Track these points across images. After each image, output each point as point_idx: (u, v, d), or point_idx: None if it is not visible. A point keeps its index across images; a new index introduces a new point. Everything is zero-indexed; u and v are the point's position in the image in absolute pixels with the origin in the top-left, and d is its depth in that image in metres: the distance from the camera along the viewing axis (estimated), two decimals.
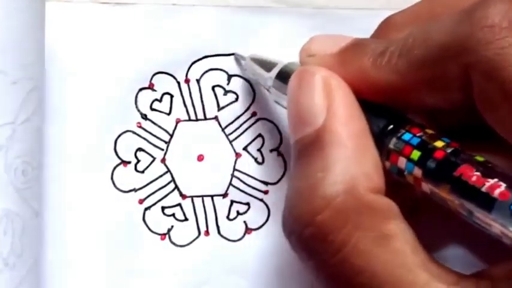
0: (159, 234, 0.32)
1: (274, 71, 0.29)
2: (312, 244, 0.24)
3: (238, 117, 0.33)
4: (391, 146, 0.25)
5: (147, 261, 0.32)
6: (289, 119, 0.26)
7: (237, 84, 0.33)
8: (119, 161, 0.32)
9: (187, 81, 0.32)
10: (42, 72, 0.30)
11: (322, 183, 0.24)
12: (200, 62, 0.32)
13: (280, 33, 0.33)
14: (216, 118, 0.32)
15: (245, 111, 0.33)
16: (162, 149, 0.32)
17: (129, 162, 0.32)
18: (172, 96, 0.32)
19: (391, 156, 0.25)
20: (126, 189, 0.32)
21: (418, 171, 0.24)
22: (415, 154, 0.24)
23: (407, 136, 0.24)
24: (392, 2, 0.34)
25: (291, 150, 0.26)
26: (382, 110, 0.25)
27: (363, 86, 0.25)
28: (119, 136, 0.32)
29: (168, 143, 0.32)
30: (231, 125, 0.32)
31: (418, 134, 0.24)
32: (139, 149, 0.32)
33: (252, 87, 0.33)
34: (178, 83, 0.32)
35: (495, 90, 0.22)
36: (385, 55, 0.25)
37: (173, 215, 0.32)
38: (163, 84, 0.32)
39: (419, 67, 0.24)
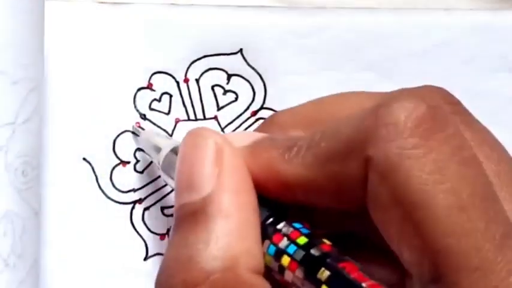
0: (158, 234, 0.32)
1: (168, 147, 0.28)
2: None
3: (237, 117, 0.33)
4: (279, 226, 0.24)
5: (146, 262, 0.32)
6: (176, 181, 0.25)
7: (236, 84, 0.33)
8: (118, 161, 0.32)
9: (186, 80, 0.32)
10: (42, 72, 0.30)
11: (202, 256, 0.23)
12: (199, 61, 0.32)
13: (280, 33, 0.33)
14: (215, 118, 0.32)
15: (245, 110, 0.33)
16: None
17: (128, 162, 0.32)
18: (171, 96, 0.32)
19: (274, 235, 0.24)
20: (125, 190, 0.32)
21: (299, 254, 0.23)
22: (302, 240, 0.23)
23: (298, 225, 0.24)
24: (392, 1, 0.34)
25: (173, 214, 0.25)
26: (266, 201, 0.24)
27: (271, 180, 0.24)
28: (118, 136, 0.32)
29: None
30: (230, 125, 0.32)
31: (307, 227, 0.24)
32: (138, 149, 0.32)
33: (252, 86, 0.33)
34: (178, 82, 0.32)
35: (386, 193, 0.21)
36: (294, 149, 0.24)
37: (172, 215, 0.32)
38: (162, 84, 0.32)
39: (325, 161, 0.23)
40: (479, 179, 0.21)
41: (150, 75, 0.32)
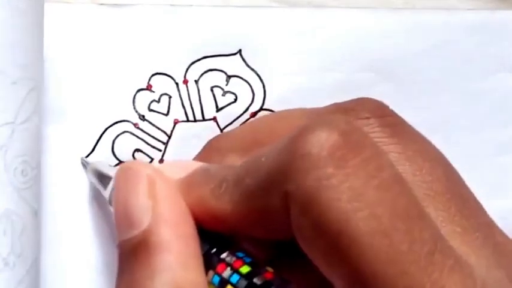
0: None
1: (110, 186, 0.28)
2: None
3: (237, 118, 0.33)
4: (223, 256, 0.24)
5: None
6: (115, 218, 0.25)
7: (235, 85, 0.33)
8: (117, 161, 0.32)
9: (185, 82, 0.32)
10: (42, 72, 0.31)
11: None
12: (199, 62, 0.32)
13: (280, 33, 0.33)
14: (214, 119, 0.33)
15: (244, 112, 0.33)
16: (160, 150, 0.32)
17: None
18: (170, 97, 0.32)
19: (218, 265, 0.24)
20: None
21: (242, 283, 0.23)
22: (245, 268, 0.23)
23: (241, 254, 0.24)
24: (392, 1, 0.34)
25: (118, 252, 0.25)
26: (209, 231, 0.25)
27: (204, 214, 0.24)
28: (117, 137, 0.32)
29: (166, 144, 0.32)
30: (229, 126, 0.32)
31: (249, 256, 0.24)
32: (137, 150, 0.32)
33: (251, 87, 0.33)
34: (177, 83, 0.32)
35: (308, 225, 0.21)
36: (223, 185, 0.24)
37: None
38: (162, 85, 0.32)
39: (250, 197, 0.23)
40: (401, 199, 0.21)
41: (149, 76, 0.32)
